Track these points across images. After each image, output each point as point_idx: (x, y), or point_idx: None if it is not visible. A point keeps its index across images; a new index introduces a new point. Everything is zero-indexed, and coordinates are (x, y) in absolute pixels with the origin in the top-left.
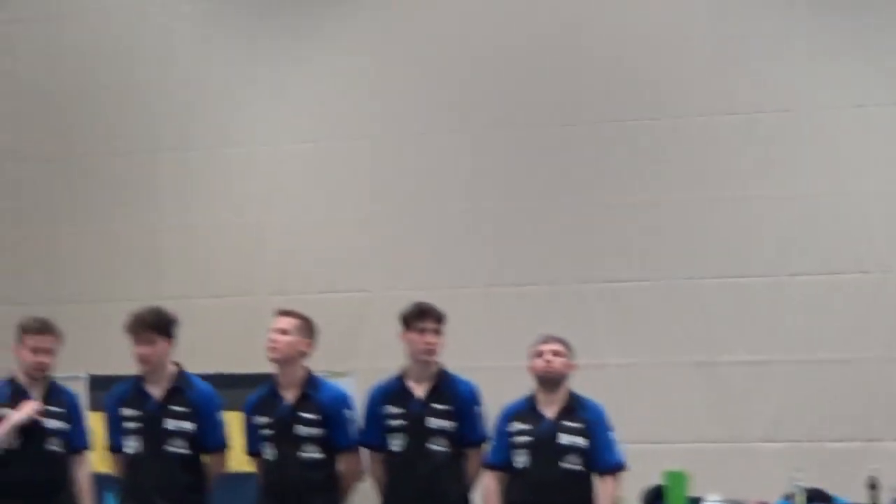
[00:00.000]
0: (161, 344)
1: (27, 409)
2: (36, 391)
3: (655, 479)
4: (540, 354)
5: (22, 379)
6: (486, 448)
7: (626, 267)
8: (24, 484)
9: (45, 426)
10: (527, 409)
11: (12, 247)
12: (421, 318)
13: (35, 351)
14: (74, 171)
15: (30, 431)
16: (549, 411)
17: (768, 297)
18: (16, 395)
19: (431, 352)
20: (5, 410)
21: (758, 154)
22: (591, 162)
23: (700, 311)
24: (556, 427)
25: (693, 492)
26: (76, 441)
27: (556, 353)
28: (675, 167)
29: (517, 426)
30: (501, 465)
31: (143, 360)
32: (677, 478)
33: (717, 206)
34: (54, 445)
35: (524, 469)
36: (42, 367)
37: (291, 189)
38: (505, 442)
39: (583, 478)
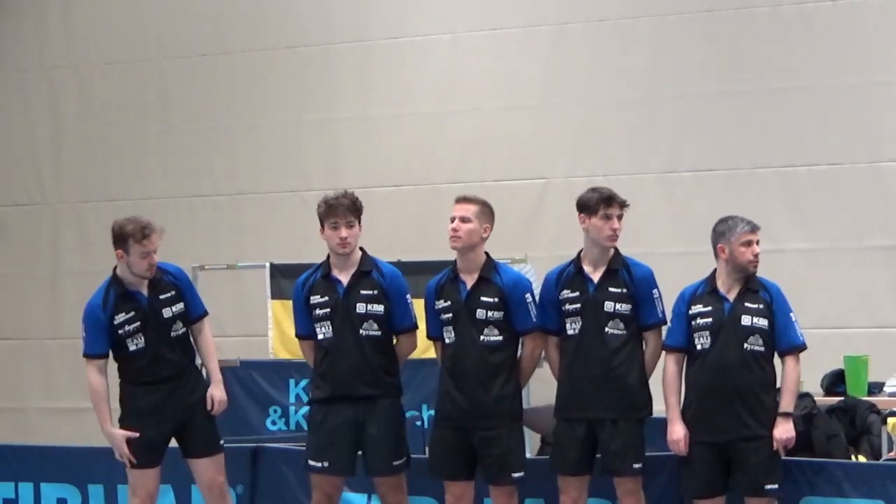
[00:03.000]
0: (358, 227)
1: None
2: (143, 287)
3: (836, 364)
4: (749, 244)
5: (130, 280)
6: (664, 331)
7: (803, 151)
8: (163, 372)
9: (163, 317)
10: (707, 292)
11: (190, 140)
12: (608, 204)
13: (144, 256)
14: (251, 66)
15: (151, 327)
16: (731, 293)
17: None
18: (125, 298)
19: (615, 238)
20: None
21: None
22: (767, 46)
23: (880, 194)
24: (738, 309)
25: (874, 376)
26: (192, 312)
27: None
28: (852, 49)
29: (698, 308)
30: (681, 346)
31: (344, 243)
32: (858, 362)
33: None
34: (177, 330)
35: (705, 351)
36: (153, 267)
37: (469, 77)
38: (684, 324)
39: (764, 358)
